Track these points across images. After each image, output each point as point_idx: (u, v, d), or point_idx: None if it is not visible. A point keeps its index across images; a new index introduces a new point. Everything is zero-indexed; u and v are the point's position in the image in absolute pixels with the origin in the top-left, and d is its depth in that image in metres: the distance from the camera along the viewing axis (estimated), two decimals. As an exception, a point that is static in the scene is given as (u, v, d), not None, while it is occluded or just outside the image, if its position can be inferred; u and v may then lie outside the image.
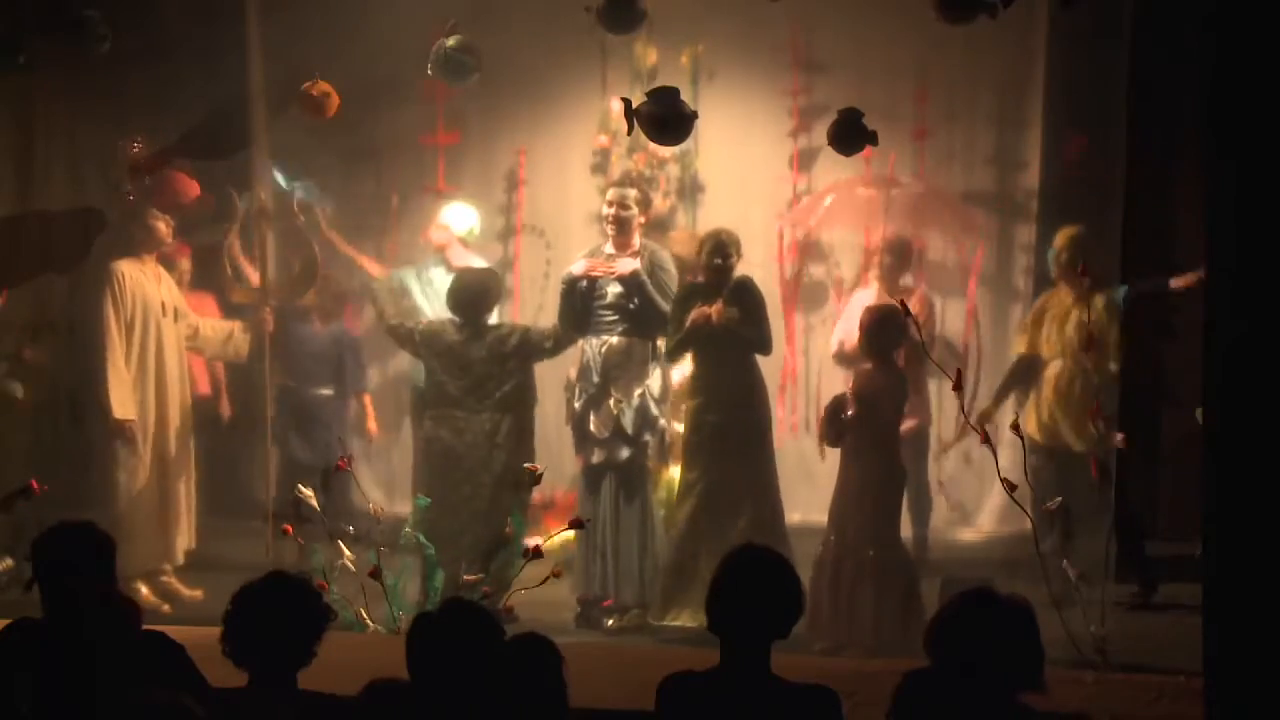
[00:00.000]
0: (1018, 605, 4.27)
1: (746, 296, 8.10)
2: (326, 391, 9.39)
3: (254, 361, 8.90)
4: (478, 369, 8.28)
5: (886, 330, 7.88)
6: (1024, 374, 8.77)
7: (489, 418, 8.27)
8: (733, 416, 8.11)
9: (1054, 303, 8.64)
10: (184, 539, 8.80)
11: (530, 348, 8.40)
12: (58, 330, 9.04)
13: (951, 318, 9.52)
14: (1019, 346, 8.84)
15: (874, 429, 7.80)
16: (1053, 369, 8.60)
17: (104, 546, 5.20)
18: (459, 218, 9.33)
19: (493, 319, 8.55)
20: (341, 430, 9.44)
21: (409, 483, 9.25)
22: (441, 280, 8.99)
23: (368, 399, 9.74)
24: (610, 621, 8.23)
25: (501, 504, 8.20)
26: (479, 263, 9.18)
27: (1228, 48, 5.35)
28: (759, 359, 8.16)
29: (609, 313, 8.29)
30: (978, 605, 4.30)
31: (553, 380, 9.05)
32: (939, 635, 4.29)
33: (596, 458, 8.31)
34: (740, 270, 8.20)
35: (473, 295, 8.39)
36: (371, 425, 9.78)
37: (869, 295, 8.86)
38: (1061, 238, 8.57)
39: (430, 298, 9.12)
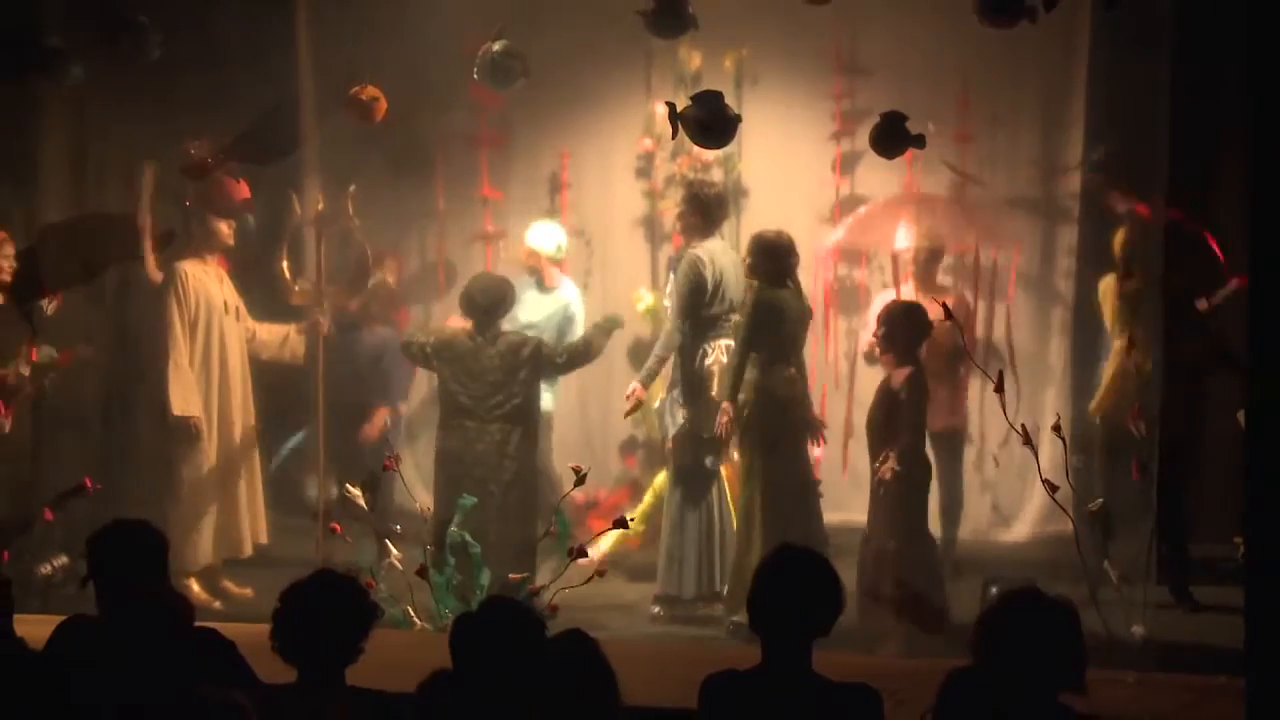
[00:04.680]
0: (1062, 606, 4.26)
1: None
2: (373, 397, 9.39)
3: (309, 364, 8.94)
4: (490, 376, 8.29)
5: (903, 326, 7.88)
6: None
7: (499, 429, 8.29)
8: (783, 416, 8.14)
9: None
10: (251, 533, 8.86)
11: (543, 361, 8.41)
12: (110, 330, 9.11)
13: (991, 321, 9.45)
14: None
15: (890, 422, 7.79)
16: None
17: (157, 545, 5.26)
18: (544, 238, 9.36)
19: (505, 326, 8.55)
20: (391, 433, 9.52)
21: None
22: (534, 301, 9.14)
23: (383, 411, 9.53)
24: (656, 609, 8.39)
25: (513, 509, 8.24)
26: (570, 287, 9.27)
27: (1267, 50, 5.33)
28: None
29: (726, 320, 8.37)
30: (1023, 605, 4.28)
31: (594, 386, 9.07)
32: (983, 634, 4.28)
33: (711, 462, 8.39)
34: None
35: (489, 300, 8.39)
36: (371, 432, 9.52)
37: (891, 295, 8.86)
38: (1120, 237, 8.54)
39: (533, 317, 9.18)
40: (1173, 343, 8.23)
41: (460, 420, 8.32)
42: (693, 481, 8.44)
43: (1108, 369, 8.68)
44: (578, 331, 9.08)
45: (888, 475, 7.74)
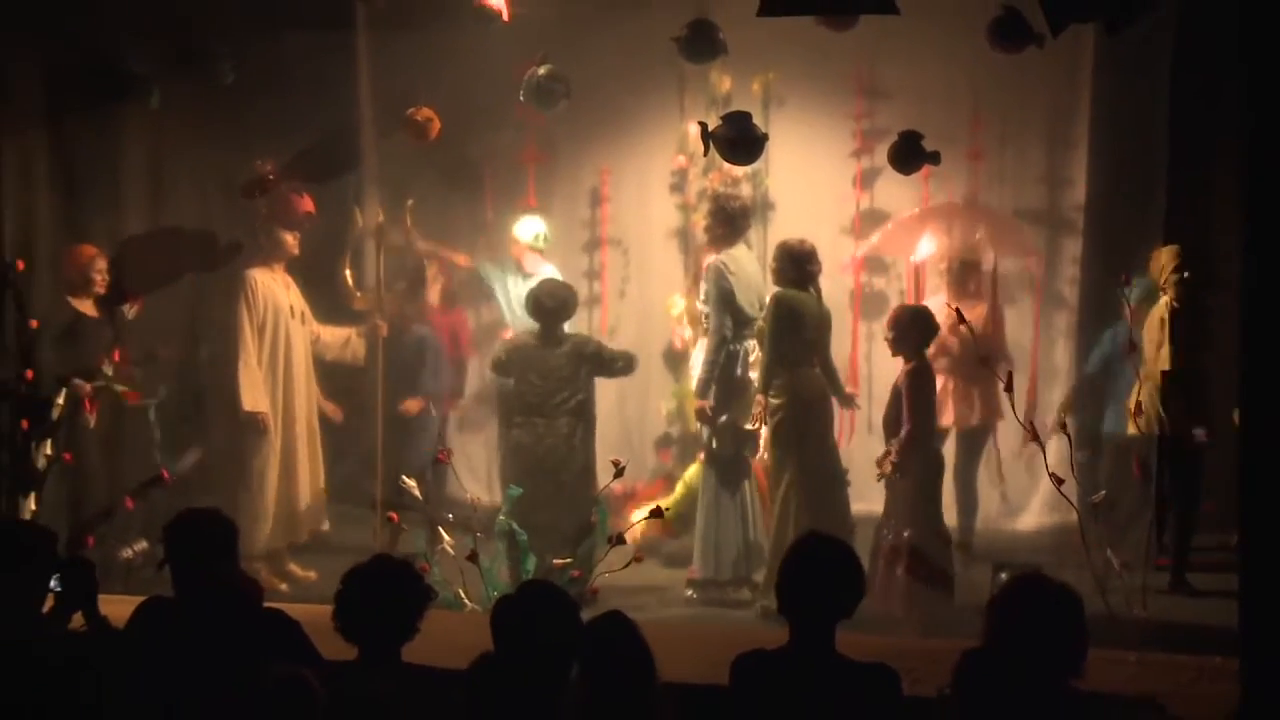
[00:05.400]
0: (1066, 591, 4.25)
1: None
2: (419, 394, 9.39)
3: (368, 364, 8.96)
4: (557, 375, 8.33)
5: (910, 329, 7.87)
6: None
7: (566, 423, 8.33)
8: (809, 414, 8.13)
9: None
10: (312, 521, 8.90)
11: (603, 361, 8.47)
12: (187, 333, 9.16)
13: (1012, 328, 9.41)
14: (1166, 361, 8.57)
15: (906, 420, 7.78)
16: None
17: (228, 531, 5.28)
18: (525, 228, 9.40)
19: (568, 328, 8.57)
20: (441, 427, 9.54)
21: (498, 476, 9.36)
22: (518, 286, 9.16)
23: (414, 402, 9.36)
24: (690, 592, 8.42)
25: (581, 497, 8.25)
26: (550, 268, 9.28)
27: (1263, 63, 5.31)
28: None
29: (752, 321, 8.44)
30: (1030, 589, 4.27)
31: (632, 388, 9.07)
32: (994, 616, 4.27)
33: (750, 451, 8.45)
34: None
35: (555, 304, 8.43)
36: (412, 407, 9.33)
37: (935, 304, 8.81)
38: (1168, 254, 8.43)
39: (512, 301, 9.28)
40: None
41: (530, 417, 8.36)
42: (730, 472, 8.44)
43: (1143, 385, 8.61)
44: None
45: (887, 469, 7.75)
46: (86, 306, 8.53)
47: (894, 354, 7.99)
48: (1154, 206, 7.89)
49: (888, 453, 7.80)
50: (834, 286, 9.38)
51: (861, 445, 8.95)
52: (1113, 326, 8.68)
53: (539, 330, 8.44)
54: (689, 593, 8.43)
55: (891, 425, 7.87)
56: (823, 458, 8.15)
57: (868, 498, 8.57)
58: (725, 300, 8.31)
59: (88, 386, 8.36)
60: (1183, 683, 6.29)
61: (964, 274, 9.03)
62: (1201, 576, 8.37)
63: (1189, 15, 7.40)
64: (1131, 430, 8.16)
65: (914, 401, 7.78)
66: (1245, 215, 5.46)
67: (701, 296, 8.57)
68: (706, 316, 8.45)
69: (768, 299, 8.26)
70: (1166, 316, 8.43)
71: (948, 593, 7.74)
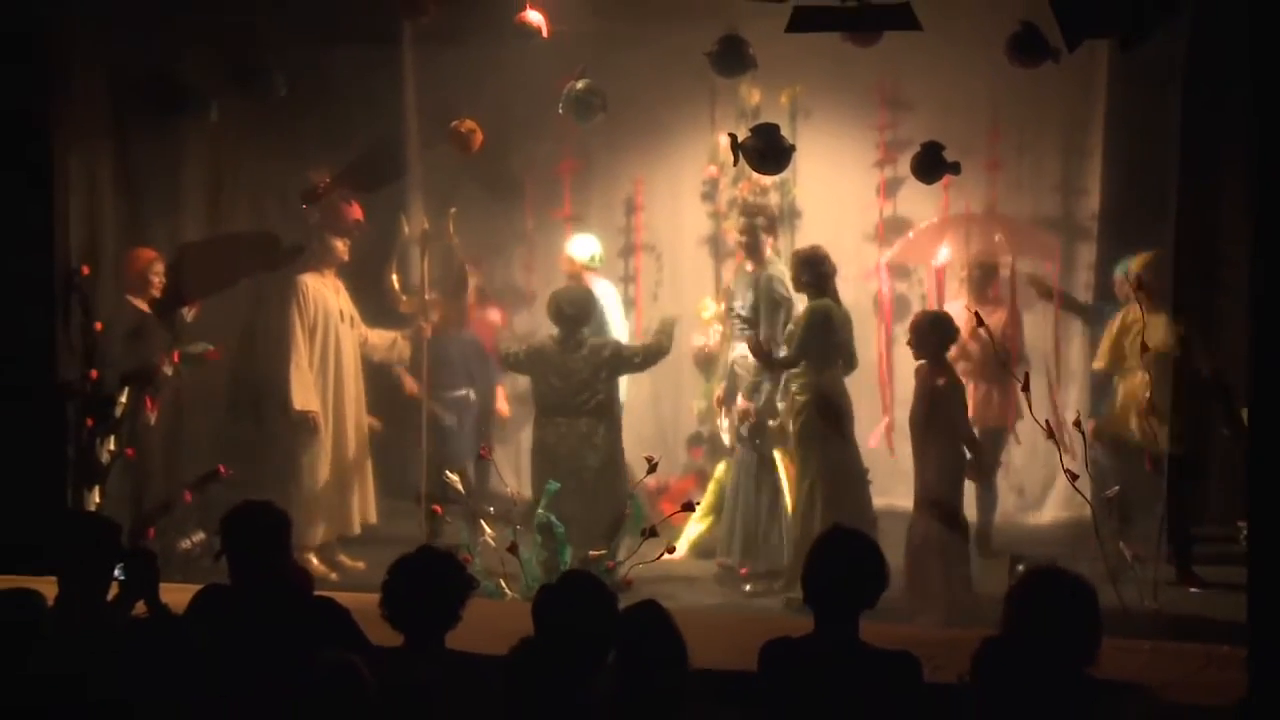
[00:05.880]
0: (1081, 582, 4.24)
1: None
2: (459, 393, 9.43)
3: (414, 364, 8.99)
4: (577, 377, 8.33)
5: (929, 334, 7.85)
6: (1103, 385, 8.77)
7: (585, 422, 8.33)
8: (833, 413, 8.13)
9: (1131, 319, 8.45)
10: (361, 514, 8.91)
11: (621, 360, 8.47)
12: (243, 335, 9.20)
13: (1030, 331, 9.36)
14: (1099, 362, 8.73)
15: (931, 420, 7.75)
16: (1137, 378, 8.46)
17: (282, 523, 5.29)
18: (581, 248, 9.35)
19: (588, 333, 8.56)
20: (483, 424, 9.55)
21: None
22: None
23: (500, 389, 9.67)
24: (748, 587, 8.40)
25: (607, 492, 8.25)
26: (605, 285, 9.27)
27: (1268, 86, 5.29)
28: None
29: None
30: (1046, 581, 4.26)
31: (665, 388, 9.07)
32: (1011, 607, 4.26)
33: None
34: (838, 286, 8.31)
35: (574, 310, 8.44)
36: (502, 408, 9.73)
37: (956, 309, 8.79)
38: (1138, 262, 8.42)
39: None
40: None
41: (553, 417, 8.38)
42: (764, 466, 8.48)
43: (1121, 391, 8.61)
44: (610, 327, 9.08)
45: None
46: (146, 307, 8.58)
47: (916, 358, 7.98)
48: (1165, 214, 7.85)
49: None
50: (858, 292, 9.38)
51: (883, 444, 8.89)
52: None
53: (559, 335, 8.45)
54: (746, 587, 8.42)
55: (917, 426, 7.83)
56: (845, 455, 8.15)
57: (891, 493, 8.57)
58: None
59: (163, 369, 8.41)
60: (1192, 670, 6.25)
61: (983, 279, 9.01)
62: (1211, 569, 8.30)
63: (1200, 30, 7.36)
64: (1142, 428, 8.16)
65: (949, 405, 7.79)
66: (1253, 222, 5.44)
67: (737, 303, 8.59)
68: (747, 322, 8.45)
69: (800, 308, 8.28)
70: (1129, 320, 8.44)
71: (967, 580, 7.72)
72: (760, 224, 8.58)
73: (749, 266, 8.66)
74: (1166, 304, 8.13)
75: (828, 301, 8.16)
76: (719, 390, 8.92)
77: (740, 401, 8.48)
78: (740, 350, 8.64)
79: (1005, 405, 8.81)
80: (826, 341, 8.13)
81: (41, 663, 4.39)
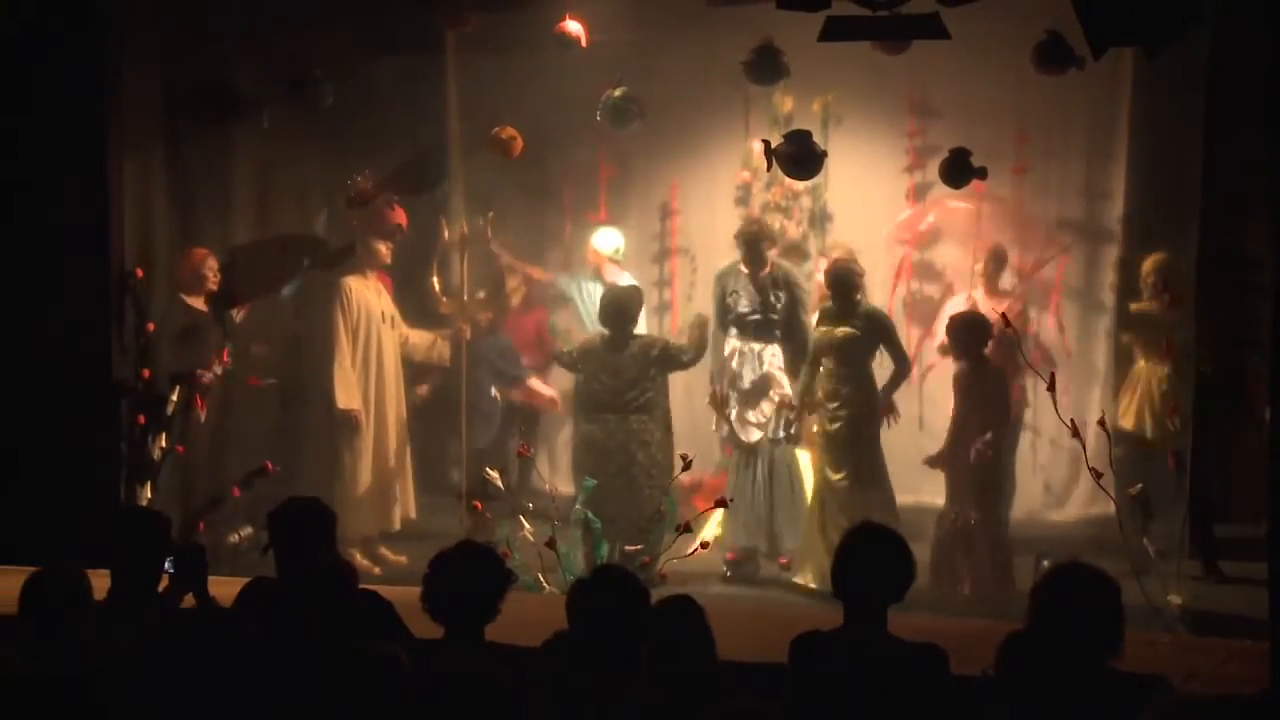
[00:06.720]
0: (1105, 578, 4.21)
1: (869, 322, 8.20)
2: (493, 392, 9.44)
3: (453, 364, 9.01)
4: (625, 374, 8.32)
5: (965, 332, 7.88)
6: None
7: (635, 419, 8.31)
8: (857, 413, 8.12)
9: (1146, 318, 8.48)
10: (401, 509, 8.94)
11: (670, 358, 8.44)
12: (289, 335, 9.24)
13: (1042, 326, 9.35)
14: (1126, 421, 8.60)
15: (971, 415, 7.73)
16: (1154, 373, 8.43)
17: (326, 519, 5.32)
18: (605, 240, 9.40)
19: (638, 330, 8.57)
20: (523, 423, 9.57)
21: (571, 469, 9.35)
22: (596, 292, 9.09)
23: (534, 381, 9.57)
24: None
25: (649, 489, 8.24)
26: (628, 278, 9.26)
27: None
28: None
29: None
30: (1071, 576, 4.24)
31: (700, 386, 9.05)
32: (1036, 601, 4.24)
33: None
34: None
35: (620, 308, 8.44)
36: (552, 399, 9.64)
37: (959, 302, 8.88)
38: (1149, 263, 8.42)
39: (588, 305, 9.24)
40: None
41: (602, 414, 8.35)
42: (795, 459, 8.61)
43: (1131, 386, 8.58)
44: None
45: (986, 457, 7.76)
46: (199, 304, 8.62)
47: (952, 355, 8.00)
48: (1188, 216, 7.81)
49: (978, 442, 7.79)
50: (885, 293, 9.37)
51: (913, 441, 8.87)
52: None
53: (609, 333, 8.44)
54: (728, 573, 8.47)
55: (959, 424, 7.87)
56: (875, 457, 8.16)
57: (919, 490, 8.54)
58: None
59: (208, 375, 8.46)
60: (1215, 663, 6.22)
61: (995, 272, 9.01)
62: (1233, 565, 8.26)
63: (1222, 36, 7.31)
64: (1169, 427, 8.13)
65: (993, 397, 7.87)
66: (1275, 224, 5.41)
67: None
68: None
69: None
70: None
71: (1008, 574, 7.72)
72: (764, 246, 8.64)
73: (743, 268, 8.67)
74: (1184, 304, 8.10)
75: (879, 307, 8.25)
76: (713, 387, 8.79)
77: (778, 394, 8.46)
78: (733, 344, 8.62)
79: (1019, 398, 8.78)
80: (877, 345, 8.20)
81: (90, 651, 4.43)
